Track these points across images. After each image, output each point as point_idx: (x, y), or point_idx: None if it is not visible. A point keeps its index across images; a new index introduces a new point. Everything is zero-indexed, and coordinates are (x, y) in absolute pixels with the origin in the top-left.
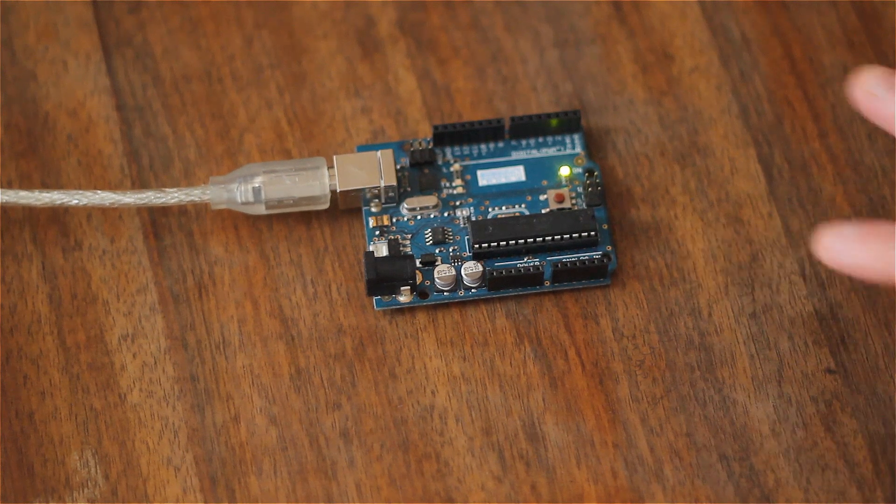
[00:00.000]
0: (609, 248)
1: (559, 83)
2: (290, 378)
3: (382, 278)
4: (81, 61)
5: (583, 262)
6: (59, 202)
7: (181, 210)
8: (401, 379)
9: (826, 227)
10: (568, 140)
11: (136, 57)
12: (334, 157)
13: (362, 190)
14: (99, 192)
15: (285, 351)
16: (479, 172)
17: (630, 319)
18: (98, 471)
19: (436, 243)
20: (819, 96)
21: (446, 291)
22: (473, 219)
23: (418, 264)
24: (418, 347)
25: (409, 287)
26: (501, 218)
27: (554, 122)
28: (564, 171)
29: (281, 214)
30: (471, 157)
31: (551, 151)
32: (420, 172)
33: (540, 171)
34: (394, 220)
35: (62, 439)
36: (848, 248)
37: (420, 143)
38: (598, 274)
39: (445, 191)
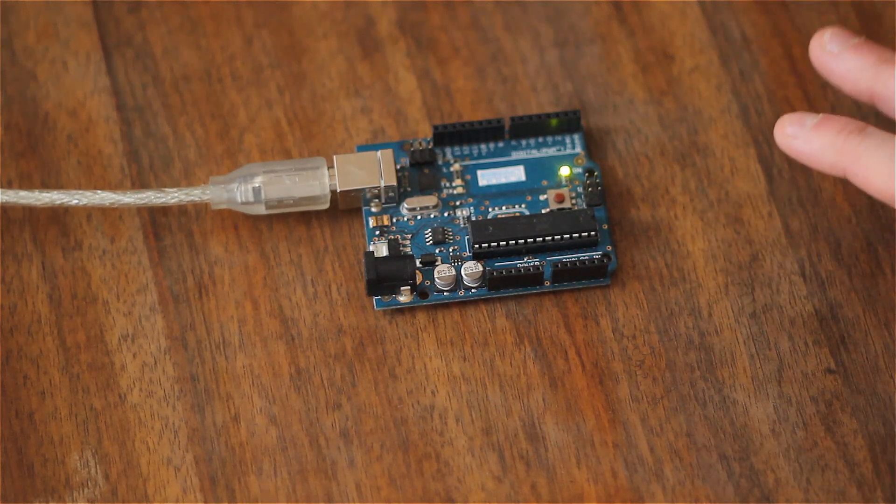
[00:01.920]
0: (609, 248)
1: (559, 83)
2: (290, 378)
3: (382, 278)
4: (81, 61)
5: (583, 262)
6: (59, 202)
7: (181, 210)
8: (401, 379)
9: (787, 116)
10: (568, 140)
11: (136, 57)
12: (334, 157)
13: (362, 190)
14: (99, 192)
15: (285, 351)
16: (479, 172)
17: (630, 319)
18: (98, 471)
19: (436, 243)
20: (819, 96)
21: (446, 291)
22: (473, 219)
23: (418, 264)
24: (418, 347)
25: (409, 287)
26: (501, 218)
27: (554, 122)
28: (564, 171)
29: (281, 214)
30: (471, 157)
31: (551, 151)
32: (420, 172)
33: (540, 171)
34: (394, 220)
35: (62, 439)
36: (805, 135)
37: (420, 143)
38: (598, 274)
39: (445, 191)
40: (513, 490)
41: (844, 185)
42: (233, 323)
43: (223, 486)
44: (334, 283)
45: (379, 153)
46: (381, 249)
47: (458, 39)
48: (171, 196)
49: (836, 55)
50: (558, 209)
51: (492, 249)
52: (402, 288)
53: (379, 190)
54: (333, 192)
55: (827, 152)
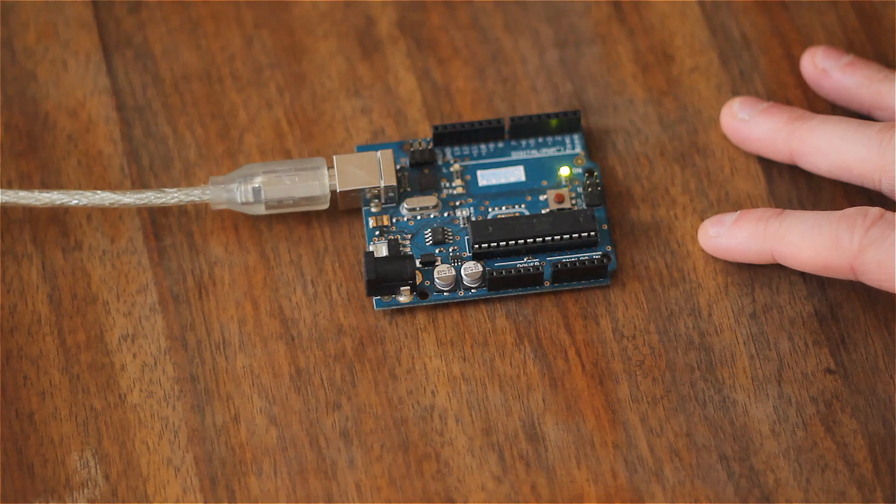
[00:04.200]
0: (609, 248)
1: (559, 83)
2: (290, 378)
3: (382, 278)
4: (81, 61)
5: (583, 262)
6: (59, 202)
7: (181, 210)
8: (401, 379)
9: (706, 221)
10: (568, 140)
11: (136, 57)
12: (334, 157)
13: (362, 190)
14: (99, 192)
15: (285, 351)
16: (478, 172)
17: (630, 320)
18: (98, 471)
19: (436, 243)
20: (819, 96)
21: (446, 291)
22: (473, 219)
23: (418, 264)
24: (418, 348)
25: (409, 287)
26: (501, 218)
27: (554, 122)
28: (564, 171)
29: (281, 214)
30: (471, 157)
31: (551, 152)
32: (420, 172)
33: (540, 172)
34: (394, 220)
35: (62, 439)
36: (727, 232)
37: (420, 143)
38: (597, 274)
39: (445, 191)
40: (513, 490)
41: (844, 185)
42: (233, 323)
43: (223, 486)
44: (334, 284)
45: (379, 153)
46: (381, 249)
47: (458, 39)
48: (171, 196)
49: (748, 122)
50: (558, 209)
51: (492, 249)
52: (401, 288)
53: (379, 190)
54: (333, 193)
55: (752, 241)
